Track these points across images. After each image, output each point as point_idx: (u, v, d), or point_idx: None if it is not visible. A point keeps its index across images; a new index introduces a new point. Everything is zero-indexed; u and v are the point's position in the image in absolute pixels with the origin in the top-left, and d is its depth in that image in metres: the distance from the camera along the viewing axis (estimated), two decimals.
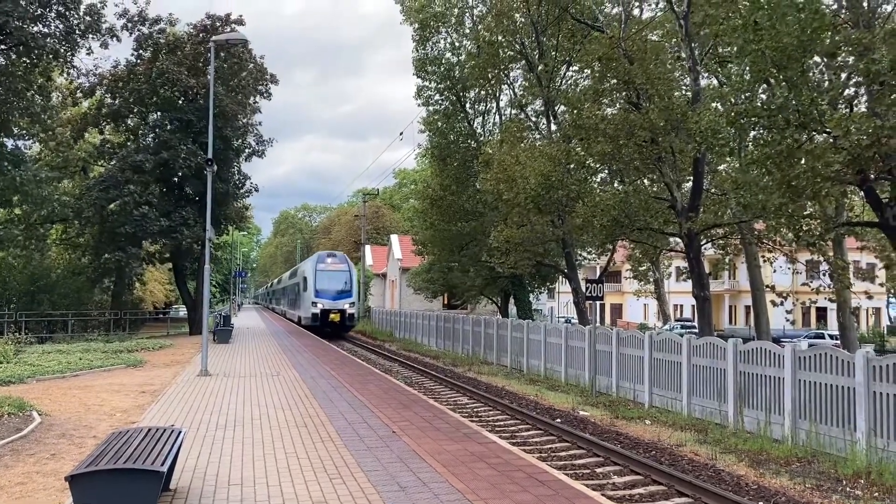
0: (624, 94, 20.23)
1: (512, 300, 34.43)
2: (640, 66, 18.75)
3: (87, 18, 28.00)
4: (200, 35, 32.48)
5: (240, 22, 33.28)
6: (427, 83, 32.61)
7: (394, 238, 61.30)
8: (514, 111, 31.31)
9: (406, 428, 10.56)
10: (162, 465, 5.94)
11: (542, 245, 25.75)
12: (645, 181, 22.46)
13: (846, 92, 13.28)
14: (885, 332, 53.10)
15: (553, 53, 27.07)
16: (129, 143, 34.36)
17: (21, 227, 32.74)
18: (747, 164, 15.39)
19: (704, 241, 21.79)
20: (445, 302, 49.33)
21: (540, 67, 26.76)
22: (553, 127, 27.59)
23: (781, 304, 21.07)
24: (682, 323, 50.79)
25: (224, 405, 12.61)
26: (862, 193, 14.55)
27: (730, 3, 14.15)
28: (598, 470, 10.55)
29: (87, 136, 36.72)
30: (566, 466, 10.51)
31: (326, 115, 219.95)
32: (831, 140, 12.35)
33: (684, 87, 21.11)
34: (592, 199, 21.45)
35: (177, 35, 33.13)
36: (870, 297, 21.10)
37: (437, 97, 32.81)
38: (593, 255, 31.08)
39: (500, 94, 31.83)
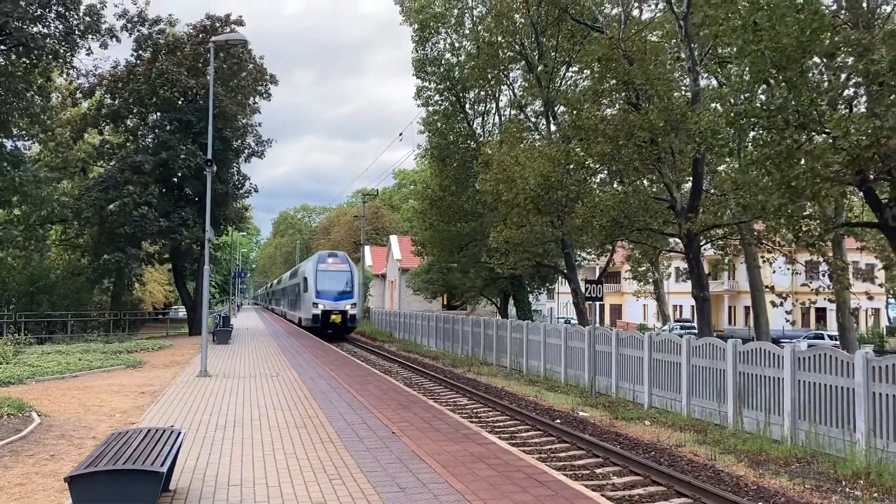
0: (623, 94, 20.25)
1: (511, 301, 34.43)
2: (640, 66, 18.77)
3: (87, 19, 27.98)
4: (200, 36, 32.48)
5: (239, 22, 33.31)
6: (427, 84, 32.63)
7: (393, 239, 61.29)
8: (513, 112, 31.31)
9: (405, 429, 10.56)
10: (161, 465, 5.94)
11: (541, 246, 25.75)
12: (644, 182, 22.48)
13: (845, 92, 13.29)
14: (885, 332, 53.15)
15: (553, 54, 27.08)
16: (128, 144, 34.35)
17: (20, 227, 32.71)
18: (747, 164, 15.40)
19: (704, 242, 21.80)
20: (445, 303, 49.30)
21: (539, 68, 26.77)
22: (553, 127, 27.60)
23: (781, 304, 21.11)
24: (681, 323, 50.82)
25: (224, 406, 12.61)
26: (861, 194, 14.55)
27: (729, 3, 14.16)
28: (598, 470, 10.55)
29: (87, 137, 36.70)
30: (566, 467, 10.51)
31: (326, 115, 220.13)
32: (831, 141, 12.35)
33: (684, 88, 21.13)
34: (592, 199, 21.46)
35: (176, 36, 33.13)
36: (870, 298, 21.13)
37: (436, 98, 32.83)
38: (593, 256, 31.09)
39: (499, 95, 31.85)
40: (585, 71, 24.45)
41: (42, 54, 26.93)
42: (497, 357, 25.76)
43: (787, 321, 26.27)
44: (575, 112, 21.10)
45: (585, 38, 23.31)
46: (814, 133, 13.03)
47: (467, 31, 31.99)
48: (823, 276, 21.80)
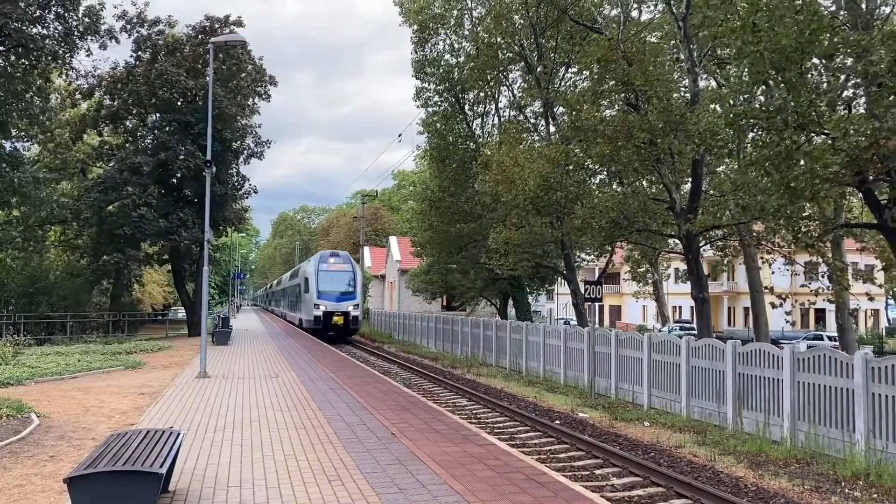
0: (623, 95, 20.26)
1: (511, 302, 34.43)
2: (639, 67, 18.78)
3: (86, 20, 27.97)
4: (199, 37, 32.47)
5: (239, 23, 33.28)
6: (426, 85, 32.64)
7: (392, 240, 61.26)
8: (512, 113, 31.32)
9: (405, 430, 10.56)
10: (161, 466, 5.93)
11: (540, 246, 25.77)
12: (644, 183, 22.49)
13: (845, 93, 13.31)
14: (884, 333, 53.18)
15: (552, 55, 27.10)
16: (127, 145, 34.33)
17: (20, 228, 32.73)
18: (746, 165, 15.41)
19: (703, 243, 21.80)
20: (444, 304, 49.27)
21: (539, 69, 26.78)
22: (552, 128, 27.61)
23: (780, 305, 21.12)
24: (681, 324, 50.82)
25: (223, 407, 12.60)
26: (860, 195, 14.55)
27: (728, 4, 14.16)
28: (598, 471, 10.55)
29: (86, 138, 36.67)
30: (565, 468, 10.51)
31: (325, 116, 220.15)
32: (830, 142, 12.36)
33: (683, 89, 21.12)
34: (591, 200, 21.47)
35: (176, 37, 33.13)
36: (871, 299, 21.12)
37: (436, 99, 32.83)
38: (592, 257, 31.10)
39: (498, 96, 31.85)
40: (585, 72, 24.44)
41: (41, 55, 26.93)
42: (496, 358, 25.75)
43: (787, 322, 26.28)
44: (574, 113, 21.11)
45: (585, 40, 23.32)
46: (813, 134, 13.03)
47: (467, 32, 31.99)
48: (823, 277, 21.83)
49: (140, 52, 32.55)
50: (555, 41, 26.79)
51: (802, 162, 12.66)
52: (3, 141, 29.21)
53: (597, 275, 32.06)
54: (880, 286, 25.43)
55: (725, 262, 27.64)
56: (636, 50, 19.30)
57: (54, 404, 12.95)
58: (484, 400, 17.21)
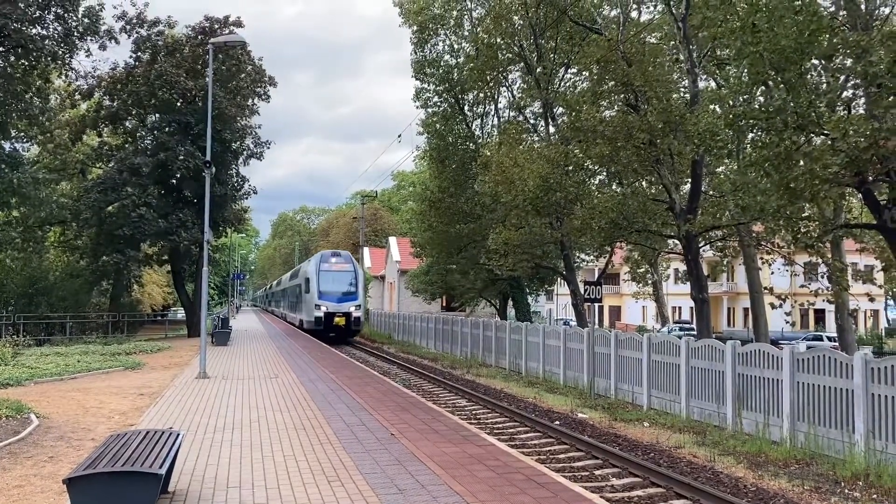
0: (622, 96, 20.27)
1: (510, 302, 34.43)
2: (639, 68, 18.79)
3: (86, 21, 27.97)
4: (199, 37, 32.47)
5: (238, 24, 33.27)
6: (426, 85, 32.66)
7: (392, 240, 61.23)
8: (512, 113, 31.34)
9: (404, 430, 10.55)
10: (160, 467, 5.93)
11: (540, 247, 25.76)
12: (643, 183, 22.49)
13: (844, 94, 13.30)
14: (883, 334, 53.20)
15: (551, 56, 27.11)
16: (127, 146, 34.31)
17: (19, 229, 32.71)
18: (745, 166, 15.41)
19: (703, 244, 21.81)
20: (444, 304, 49.26)
21: (538, 70, 26.79)
22: (551, 129, 27.62)
23: (780, 306, 21.13)
24: (680, 325, 50.84)
25: (222, 408, 12.60)
26: (860, 195, 14.56)
27: (728, 5, 14.16)
28: (597, 472, 10.55)
29: (86, 139, 36.65)
30: (565, 469, 10.51)
31: (325, 117, 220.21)
32: (829, 142, 12.36)
33: (682, 90, 21.14)
34: (591, 201, 21.48)
35: (175, 37, 33.11)
36: (871, 300, 21.12)
37: (435, 99, 32.85)
38: (591, 258, 31.11)
39: (498, 97, 31.87)
40: (584, 73, 24.45)
41: (41, 56, 26.92)
42: (496, 359, 25.75)
43: (787, 322, 26.29)
44: (574, 113, 21.12)
45: (584, 40, 23.33)
46: (812, 135, 13.04)
47: (466, 33, 32.01)
48: (822, 277, 21.83)
49: (140, 53, 32.55)
50: (554, 42, 26.80)
51: (802, 162, 12.67)
52: (3, 141, 29.22)
53: (596, 275, 32.04)
54: (880, 287, 25.43)
55: (725, 262, 27.65)
56: (636, 50, 19.31)
57: (54, 405, 12.95)
58: (483, 400, 17.21)
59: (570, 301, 27.66)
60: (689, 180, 20.34)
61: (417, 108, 33.37)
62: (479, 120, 33.54)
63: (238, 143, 35.03)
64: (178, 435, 7.27)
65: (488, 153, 26.57)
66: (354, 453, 8.95)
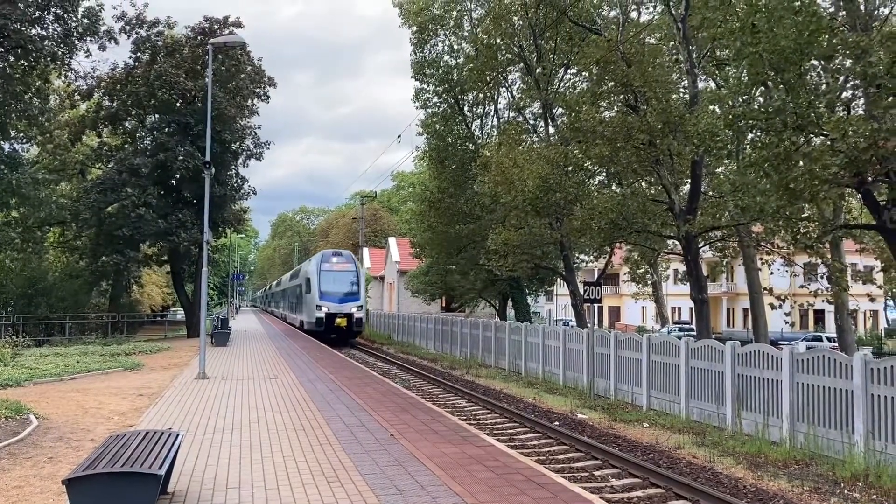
0: (622, 96, 20.27)
1: (510, 303, 34.43)
2: (638, 68, 18.79)
3: (85, 21, 27.98)
4: (198, 38, 32.47)
5: (238, 24, 33.27)
6: (425, 86, 32.67)
7: (391, 241, 61.21)
8: (512, 114, 31.35)
9: (404, 431, 10.55)
10: (160, 468, 5.93)
11: (540, 248, 25.77)
12: (643, 184, 22.49)
13: (843, 95, 13.31)
14: (883, 334, 53.22)
15: (551, 56, 27.11)
16: (126, 146, 34.30)
17: (18, 229, 32.72)
18: (745, 166, 15.42)
19: (702, 244, 21.81)
20: (443, 305, 49.24)
21: (538, 70, 26.80)
22: (551, 129, 27.63)
23: (779, 306, 21.14)
24: (680, 326, 50.87)
25: (222, 408, 12.59)
26: (859, 196, 14.57)
27: (727, 6, 14.17)
28: (597, 473, 10.55)
29: (85, 139, 36.67)
30: (564, 469, 10.51)
31: (324, 117, 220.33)
32: (829, 143, 12.37)
33: (682, 90, 21.15)
34: (590, 201, 21.48)
35: (175, 38, 33.11)
36: (872, 300, 21.13)
37: (435, 100, 32.86)
38: (591, 258, 31.12)
39: (498, 97, 31.89)
40: (584, 73, 24.47)
41: (40, 56, 26.94)
42: (496, 359, 25.75)
43: (786, 323, 26.30)
44: (573, 114, 21.13)
45: (584, 41, 23.34)
46: (812, 135, 13.04)
47: (466, 34, 32.03)
48: (822, 278, 21.84)
49: (139, 54, 32.55)
50: (554, 42, 26.81)
51: (801, 163, 12.67)
52: (2, 142, 29.24)
53: (596, 276, 32.08)
54: (879, 287, 25.45)
55: (724, 263, 27.65)
56: (635, 51, 19.31)
57: (53, 405, 12.95)
58: (483, 401, 17.20)
59: (570, 301, 27.66)
60: (689, 181, 20.34)
61: (417, 108, 33.43)
62: (478, 120, 33.58)
63: (237, 143, 35.03)
64: (178, 436, 7.27)
65: (488, 154, 26.58)
66: (354, 454, 8.95)
